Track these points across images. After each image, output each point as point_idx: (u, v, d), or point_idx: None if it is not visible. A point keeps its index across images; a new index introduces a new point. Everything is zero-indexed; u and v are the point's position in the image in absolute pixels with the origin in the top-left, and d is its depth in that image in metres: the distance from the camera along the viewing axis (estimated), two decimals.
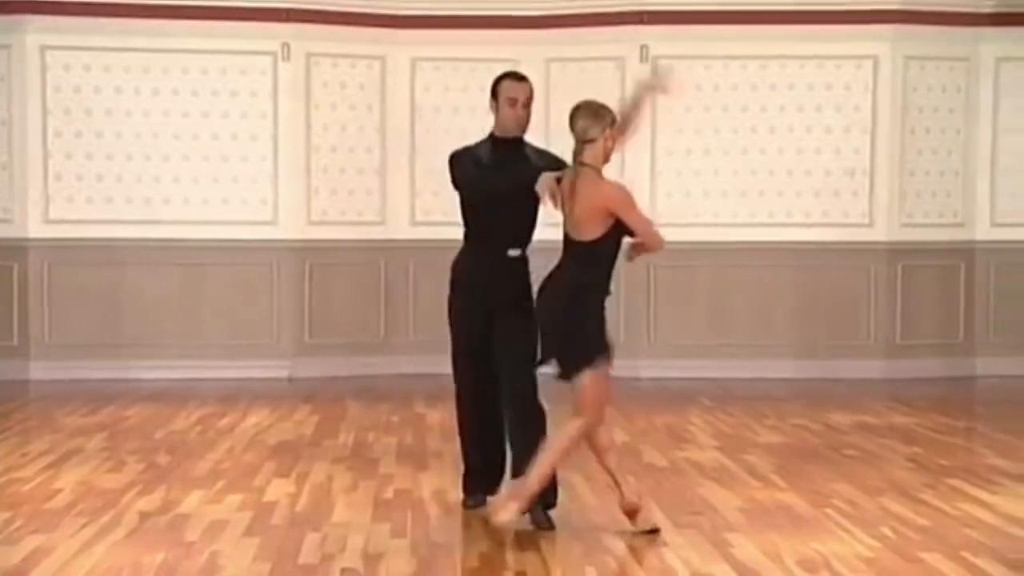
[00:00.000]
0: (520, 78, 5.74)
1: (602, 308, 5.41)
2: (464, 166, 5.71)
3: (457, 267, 5.91)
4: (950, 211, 10.77)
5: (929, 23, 10.51)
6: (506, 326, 5.64)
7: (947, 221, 10.76)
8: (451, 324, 5.93)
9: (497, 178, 5.62)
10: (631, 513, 5.42)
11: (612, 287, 5.50)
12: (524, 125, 5.66)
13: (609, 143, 5.38)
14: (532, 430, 5.55)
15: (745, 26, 10.42)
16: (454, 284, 5.90)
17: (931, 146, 10.72)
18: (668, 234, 5.73)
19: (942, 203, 10.78)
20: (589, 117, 5.36)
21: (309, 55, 10.57)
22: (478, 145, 5.80)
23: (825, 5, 10.44)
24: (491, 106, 5.72)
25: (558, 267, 5.46)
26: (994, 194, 10.85)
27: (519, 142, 5.70)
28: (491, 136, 5.78)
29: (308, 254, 10.63)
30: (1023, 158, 10.80)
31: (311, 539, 5.33)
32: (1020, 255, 10.78)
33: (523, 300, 5.63)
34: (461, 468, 6.02)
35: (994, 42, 10.64)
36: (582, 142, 5.36)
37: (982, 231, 10.84)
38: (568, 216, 5.40)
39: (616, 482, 5.47)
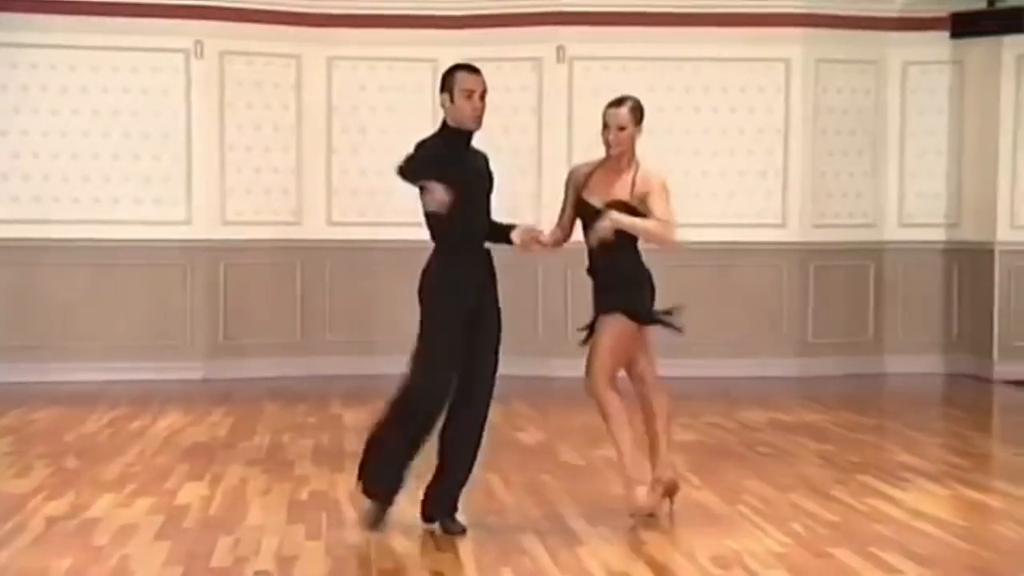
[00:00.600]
0: (474, 70, 5.49)
1: None
2: (448, 164, 5.39)
3: (443, 271, 5.57)
4: (860, 212, 10.94)
5: (839, 27, 10.67)
6: (490, 326, 5.54)
7: (857, 222, 10.93)
8: (437, 331, 5.54)
9: (472, 173, 5.48)
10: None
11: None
12: (481, 118, 5.43)
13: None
14: (480, 434, 5.53)
15: (661, 28, 10.49)
16: (442, 288, 5.56)
17: (842, 148, 10.88)
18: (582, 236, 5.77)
19: (852, 204, 10.95)
20: None
21: (223, 53, 10.44)
22: (437, 142, 5.49)
23: (738, 8, 10.54)
24: (443, 100, 5.46)
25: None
26: (902, 195, 11.05)
27: (471, 136, 5.50)
28: (448, 130, 5.49)
29: (223, 254, 10.50)
30: (929, 160, 11.01)
31: (224, 542, 5.27)
32: (927, 255, 10.99)
33: (496, 297, 5.59)
34: (417, 490, 5.62)
35: (901, 46, 10.82)
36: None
37: (890, 231, 11.03)
38: None
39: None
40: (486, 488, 6.33)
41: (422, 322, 5.60)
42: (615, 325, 5.60)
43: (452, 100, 5.41)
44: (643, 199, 5.54)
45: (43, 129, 10.22)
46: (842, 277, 10.90)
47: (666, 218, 5.51)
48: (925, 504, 6.04)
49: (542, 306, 10.62)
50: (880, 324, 11.00)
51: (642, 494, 5.59)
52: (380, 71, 10.81)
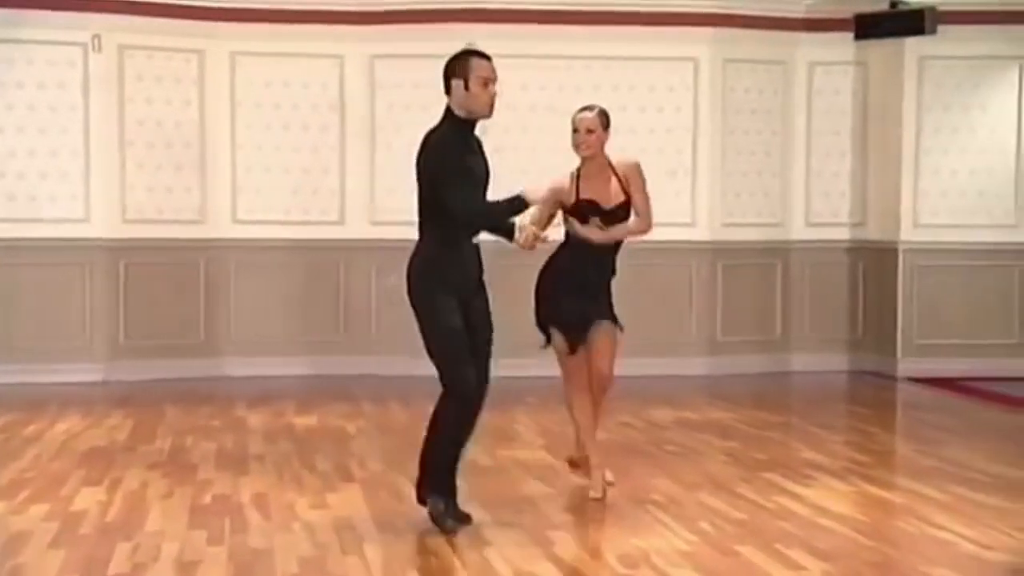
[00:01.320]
0: (487, 57, 5.42)
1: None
2: (467, 155, 5.39)
3: (439, 260, 5.37)
4: (768, 211, 11.08)
5: (746, 27, 10.80)
6: (480, 308, 5.50)
7: (765, 221, 11.07)
8: (442, 322, 5.38)
9: (483, 162, 5.49)
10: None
11: None
12: (493, 107, 5.38)
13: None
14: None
15: (571, 26, 10.52)
16: (437, 278, 5.36)
17: (750, 147, 11.01)
18: None
19: (760, 203, 11.09)
20: None
21: (122, 47, 10.26)
22: (452, 135, 5.40)
23: (647, 7, 10.60)
24: (454, 87, 5.33)
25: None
26: (808, 195, 11.22)
27: (475, 124, 5.46)
28: (458, 120, 5.40)
29: (123, 253, 10.33)
30: (835, 160, 11.20)
31: (122, 548, 5.17)
32: (833, 254, 11.18)
33: (482, 283, 5.55)
34: (447, 485, 5.57)
35: (807, 46, 10.98)
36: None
37: (797, 231, 11.19)
38: None
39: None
40: (394, 489, 6.31)
41: (424, 320, 5.43)
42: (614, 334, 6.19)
43: (467, 87, 5.30)
44: (627, 188, 6.13)
45: None
46: (750, 276, 11.03)
47: (645, 211, 6.15)
48: (829, 501, 6.13)
49: None
50: (787, 322, 11.15)
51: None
52: (286, 67, 10.71)
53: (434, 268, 5.34)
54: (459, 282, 5.37)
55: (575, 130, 6.06)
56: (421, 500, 5.55)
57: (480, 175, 5.43)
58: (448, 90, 5.35)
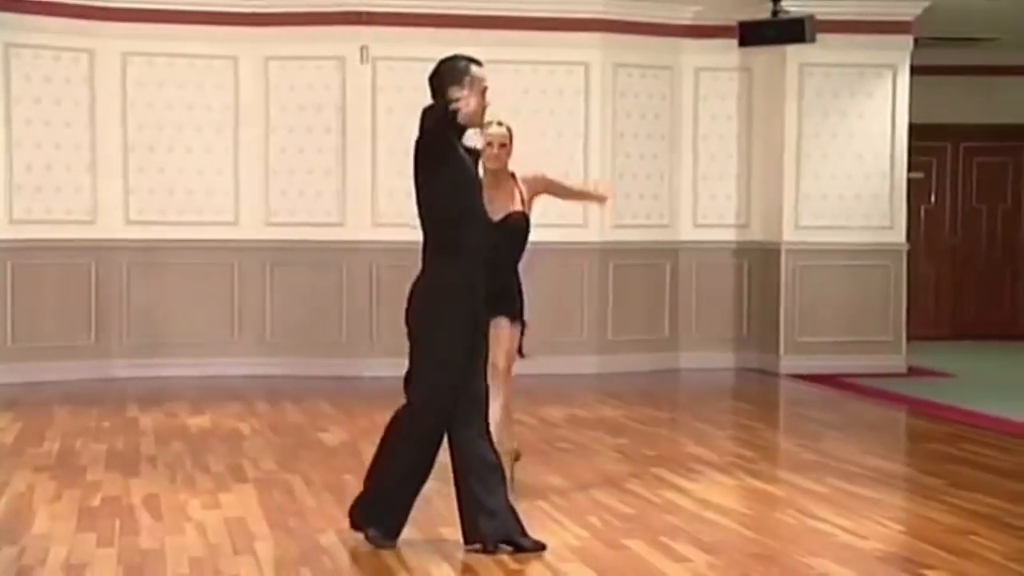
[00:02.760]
0: (481, 64, 5.16)
1: None
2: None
3: (451, 279, 5.03)
4: (657, 213, 11.19)
5: (634, 32, 10.90)
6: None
7: (654, 222, 11.18)
8: (449, 345, 5.00)
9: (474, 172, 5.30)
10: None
11: None
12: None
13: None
14: None
15: (463, 30, 10.49)
16: (453, 298, 5.02)
17: (639, 150, 11.10)
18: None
19: (650, 205, 11.20)
20: None
21: (8, 45, 10.00)
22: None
23: (538, 12, 10.65)
24: (452, 93, 4.97)
25: None
26: (696, 197, 11.36)
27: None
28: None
29: (10, 254, 10.06)
30: (721, 163, 11.36)
31: (7, 553, 5.06)
32: (719, 254, 11.34)
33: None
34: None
35: (694, 52, 11.13)
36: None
37: (686, 232, 11.33)
38: None
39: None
40: (287, 488, 6.27)
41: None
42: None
43: (469, 94, 5.01)
44: (532, 201, 6.24)
45: None
46: (640, 276, 11.13)
47: (579, 185, 6.58)
48: (714, 495, 6.23)
49: (347, 306, 10.55)
50: (675, 321, 11.28)
51: None
52: (178, 68, 10.56)
53: (450, 286, 5.10)
54: (485, 302, 5.20)
55: (489, 144, 6.00)
56: (354, 525, 5.24)
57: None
58: (441, 96, 5.02)
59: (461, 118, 4.97)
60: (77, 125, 10.37)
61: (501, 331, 6.07)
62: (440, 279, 5.03)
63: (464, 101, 4.93)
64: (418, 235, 5.19)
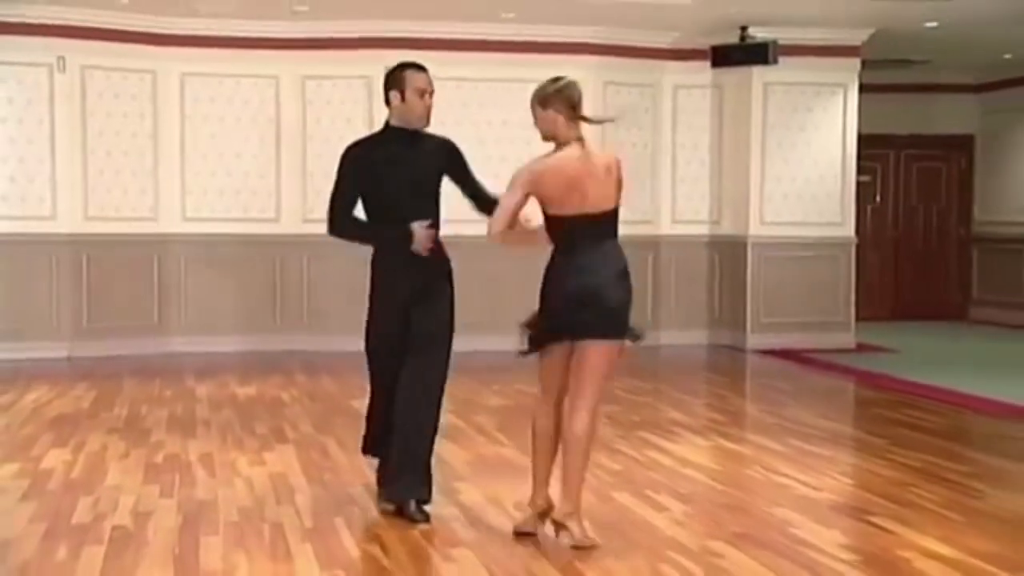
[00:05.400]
0: (423, 68, 4.82)
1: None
2: (372, 161, 4.79)
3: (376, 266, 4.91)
4: (641, 210, 11.12)
5: (622, 55, 10.86)
6: (420, 314, 4.81)
7: (638, 219, 11.06)
8: (372, 323, 4.91)
9: (399, 171, 4.77)
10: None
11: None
12: (430, 116, 4.79)
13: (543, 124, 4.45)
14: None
15: (474, 53, 10.49)
16: (376, 284, 4.91)
17: (625, 156, 10.82)
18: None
19: (635, 203, 10.95)
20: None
21: (83, 67, 10.02)
22: (376, 138, 4.90)
23: (540, 37, 10.57)
24: (391, 98, 4.76)
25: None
26: (674, 197, 11.36)
27: (417, 133, 4.81)
28: (391, 129, 4.83)
29: (85, 247, 10.07)
30: (696, 167, 11.33)
31: (85, 501, 5.09)
32: (694, 247, 11.28)
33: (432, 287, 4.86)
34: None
35: (673, 72, 11.09)
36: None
37: (665, 227, 11.32)
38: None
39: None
40: (322, 448, 6.28)
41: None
42: None
43: (403, 98, 4.73)
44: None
45: None
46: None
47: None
48: (690, 454, 6.23)
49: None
50: (657, 304, 11.26)
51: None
52: (228, 86, 10.56)
53: (376, 274, 4.92)
54: (401, 289, 4.82)
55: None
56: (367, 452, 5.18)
57: (394, 183, 4.77)
58: (387, 102, 4.80)
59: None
60: (141, 135, 10.37)
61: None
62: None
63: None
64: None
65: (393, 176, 4.76)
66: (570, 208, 4.35)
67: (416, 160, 4.78)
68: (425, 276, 4.82)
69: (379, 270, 4.90)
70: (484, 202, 4.86)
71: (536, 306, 4.53)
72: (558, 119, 4.38)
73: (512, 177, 4.40)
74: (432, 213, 4.81)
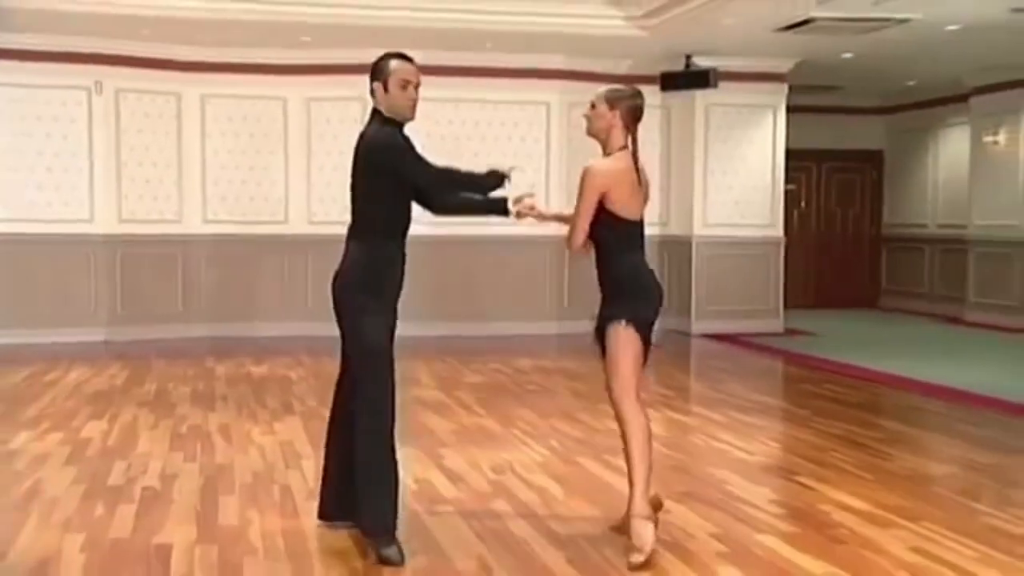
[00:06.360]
0: (409, 59, 3.85)
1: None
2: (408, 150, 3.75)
3: (370, 265, 3.80)
4: None
5: (584, 80, 10.76)
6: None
7: None
8: (366, 331, 3.75)
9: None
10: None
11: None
12: (415, 109, 3.83)
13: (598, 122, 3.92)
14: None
15: (457, 77, 10.40)
16: (364, 285, 3.78)
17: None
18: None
19: None
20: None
21: (118, 90, 9.95)
22: (380, 122, 3.84)
23: (514, 64, 10.53)
24: (375, 89, 3.79)
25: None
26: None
27: (403, 126, 3.85)
28: (383, 117, 3.82)
29: (119, 246, 10.00)
30: (653, 176, 11.33)
31: (119, 466, 5.06)
32: (648, 246, 11.31)
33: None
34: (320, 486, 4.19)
35: None
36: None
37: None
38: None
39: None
40: (325, 420, 6.22)
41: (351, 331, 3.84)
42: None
43: (386, 89, 3.77)
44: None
45: None
46: (590, 262, 10.97)
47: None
48: None
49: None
50: None
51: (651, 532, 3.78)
52: (243, 106, 10.48)
53: (367, 272, 3.79)
54: (395, 291, 3.86)
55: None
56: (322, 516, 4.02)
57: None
58: (372, 93, 3.83)
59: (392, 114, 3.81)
60: (168, 149, 10.29)
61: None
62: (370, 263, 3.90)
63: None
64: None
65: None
66: (634, 211, 3.89)
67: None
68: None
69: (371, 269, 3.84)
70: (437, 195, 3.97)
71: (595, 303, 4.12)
72: (618, 124, 3.86)
73: (582, 180, 3.80)
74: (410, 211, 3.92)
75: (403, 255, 3.87)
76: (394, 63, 3.82)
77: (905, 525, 4.15)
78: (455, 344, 9.81)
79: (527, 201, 4.02)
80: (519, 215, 4.03)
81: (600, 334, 4.06)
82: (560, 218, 4.19)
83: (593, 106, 3.91)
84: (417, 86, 3.83)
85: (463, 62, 10.45)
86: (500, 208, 4.01)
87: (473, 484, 4.79)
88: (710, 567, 3.64)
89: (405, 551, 3.70)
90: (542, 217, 4.21)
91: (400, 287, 3.88)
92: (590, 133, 3.96)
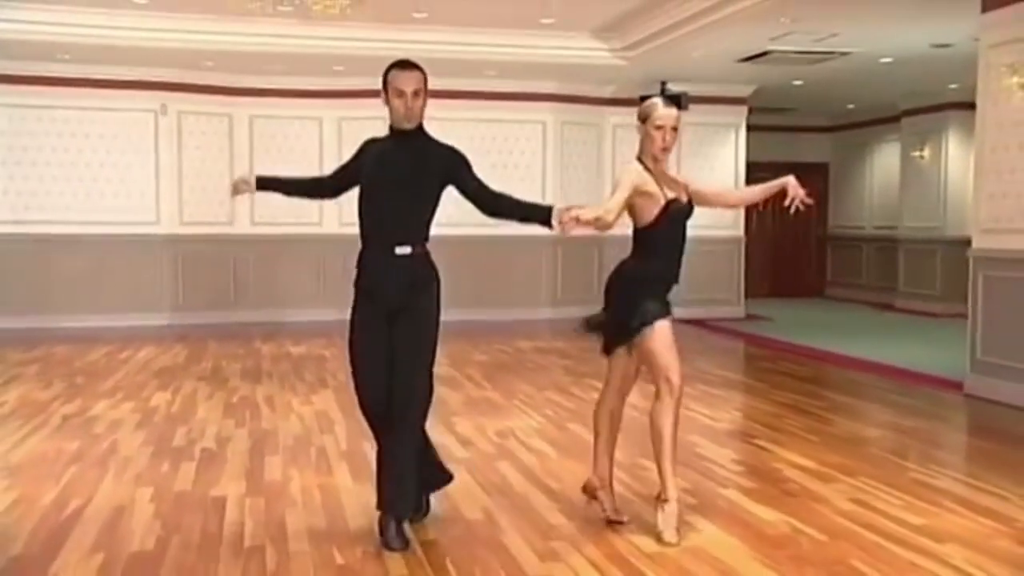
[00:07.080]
0: (407, 66, 3.35)
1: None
2: (365, 154, 3.47)
3: (357, 266, 3.58)
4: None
5: (575, 103, 10.84)
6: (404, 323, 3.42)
7: (591, 230, 11.12)
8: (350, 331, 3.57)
9: (384, 170, 3.37)
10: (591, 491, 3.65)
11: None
12: (413, 116, 3.33)
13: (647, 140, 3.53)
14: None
15: (462, 100, 10.37)
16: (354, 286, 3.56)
17: (577, 177, 11.02)
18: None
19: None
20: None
21: (180, 112, 9.98)
22: (383, 137, 3.48)
23: (513, 88, 10.49)
24: (383, 99, 3.36)
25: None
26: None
27: (415, 134, 3.38)
28: (392, 129, 3.42)
29: (180, 244, 10.03)
30: None
31: (181, 430, 5.09)
32: (629, 243, 11.28)
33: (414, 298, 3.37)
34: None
35: (612, 115, 11.01)
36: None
37: (610, 233, 11.22)
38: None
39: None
40: (353, 393, 6.25)
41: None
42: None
43: (387, 100, 3.35)
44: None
45: (59, 162, 9.66)
46: (580, 259, 11.05)
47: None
48: None
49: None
50: (601, 286, 11.19)
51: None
52: (285, 125, 10.48)
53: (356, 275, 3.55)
54: (377, 293, 3.49)
55: (659, 127, 3.53)
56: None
57: (377, 181, 3.40)
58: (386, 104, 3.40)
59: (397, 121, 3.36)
60: (220, 162, 10.28)
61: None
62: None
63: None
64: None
65: (378, 174, 3.38)
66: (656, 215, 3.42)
67: (404, 162, 3.36)
68: (409, 285, 3.39)
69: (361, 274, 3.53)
70: (493, 203, 3.51)
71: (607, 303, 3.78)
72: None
73: (618, 177, 3.52)
74: (413, 216, 3.37)
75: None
76: (391, 74, 3.34)
77: (845, 480, 4.17)
78: (466, 328, 9.82)
79: (574, 213, 3.37)
80: (562, 225, 3.36)
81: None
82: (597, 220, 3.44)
83: (675, 128, 3.44)
84: (416, 93, 3.30)
85: (470, 87, 10.44)
86: (543, 217, 3.44)
87: (480, 447, 4.80)
88: (682, 517, 3.64)
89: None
90: (583, 223, 3.43)
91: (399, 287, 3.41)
92: (669, 149, 3.52)
